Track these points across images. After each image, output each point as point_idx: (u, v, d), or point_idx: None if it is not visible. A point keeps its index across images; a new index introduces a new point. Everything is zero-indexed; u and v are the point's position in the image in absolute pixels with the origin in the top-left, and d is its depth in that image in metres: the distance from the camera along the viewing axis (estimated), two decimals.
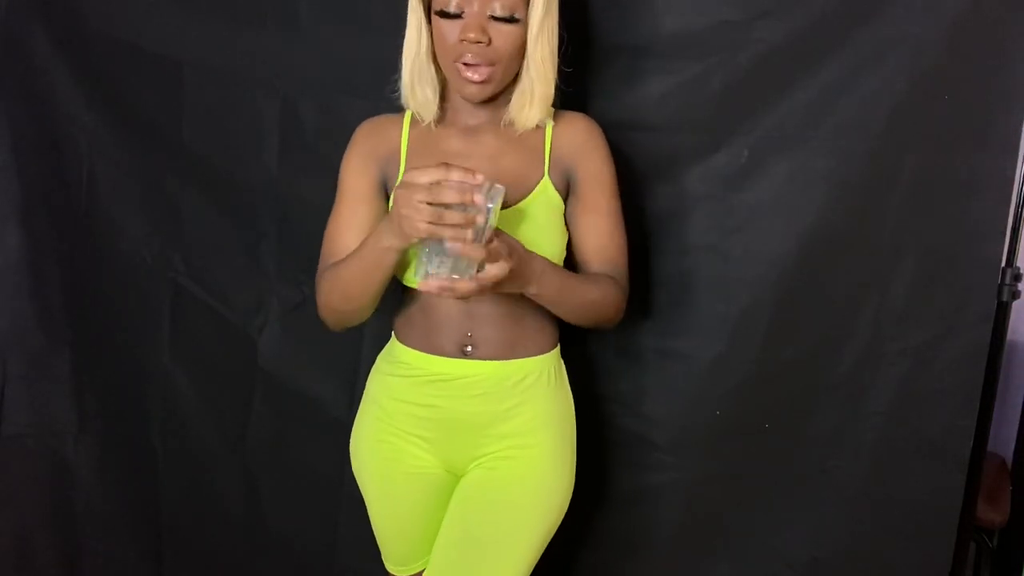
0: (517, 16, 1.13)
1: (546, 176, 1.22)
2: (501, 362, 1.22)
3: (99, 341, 1.74)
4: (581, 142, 1.24)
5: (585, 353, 1.46)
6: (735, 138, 1.37)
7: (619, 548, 1.57)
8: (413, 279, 1.16)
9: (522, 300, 1.18)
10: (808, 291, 1.39)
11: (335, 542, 1.70)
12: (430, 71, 1.20)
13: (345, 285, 1.19)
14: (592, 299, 1.20)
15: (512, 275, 1.05)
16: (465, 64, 1.14)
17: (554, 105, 1.23)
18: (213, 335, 1.68)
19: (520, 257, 1.08)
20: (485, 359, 1.21)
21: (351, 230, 1.23)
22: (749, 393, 1.44)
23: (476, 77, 1.14)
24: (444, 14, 1.14)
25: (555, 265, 1.18)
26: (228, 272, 1.65)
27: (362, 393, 1.60)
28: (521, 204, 1.19)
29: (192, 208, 1.64)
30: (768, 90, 1.34)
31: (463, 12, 1.12)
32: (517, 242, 1.09)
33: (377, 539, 1.36)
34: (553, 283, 1.15)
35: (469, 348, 1.21)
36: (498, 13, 1.12)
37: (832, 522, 1.45)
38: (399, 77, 1.24)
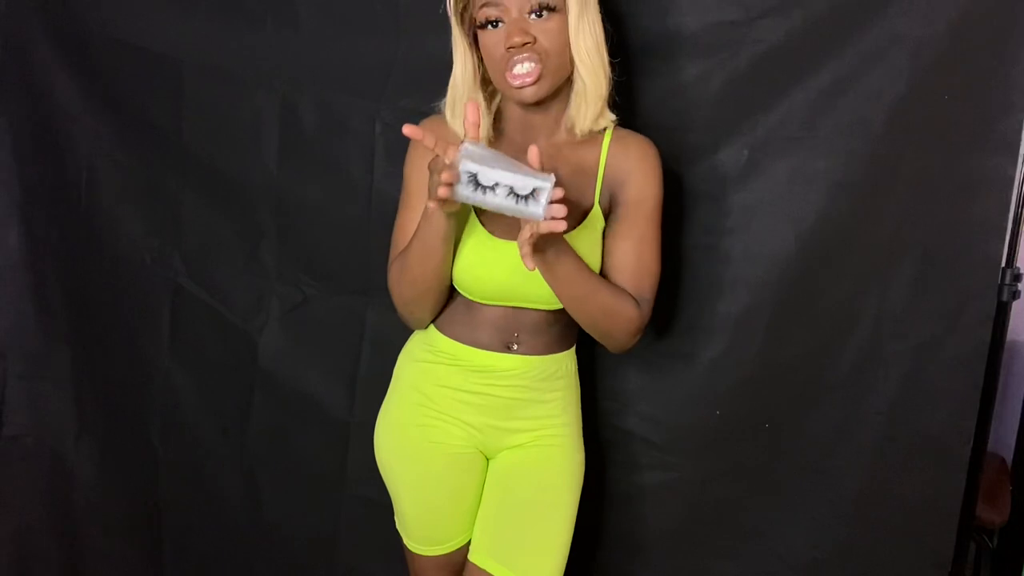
0: (554, 5, 1.14)
1: (596, 205, 1.25)
2: (539, 357, 1.29)
3: (99, 341, 1.74)
4: (634, 164, 1.25)
5: (586, 353, 1.46)
6: (735, 138, 1.37)
7: (619, 547, 1.57)
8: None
9: (561, 314, 1.26)
10: (808, 291, 1.39)
11: (335, 541, 1.70)
12: (479, 99, 1.22)
13: (409, 269, 1.22)
14: (603, 301, 1.20)
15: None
16: (514, 71, 1.14)
17: (611, 108, 1.23)
18: (213, 335, 1.68)
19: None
20: (527, 355, 1.28)
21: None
22: (749, 393, 1.44)
23: (529, 79, 1.14)
24: (485, 25, 1.15)
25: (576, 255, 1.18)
26: (228, 272, 1.65)
27: (361, 392, 1.61)
28: (572, 233, 1.21)
29: (192, 208, 1.64)
30: (768, 90, 1.34)
31: (503, 19, 1.14)
32: None
33: (406, 522, 1.36)
34: (572, 261, 1.16)
35: (515, 346, 1.28)
36: (536, 6, 1.13)
37: (832, 522, 1.45)
38: (439, 105, 1.25)
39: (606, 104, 1.22)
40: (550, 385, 1.32)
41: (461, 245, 1.22)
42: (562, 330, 1.31)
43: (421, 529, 1.35)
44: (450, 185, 1.01)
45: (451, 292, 1.28)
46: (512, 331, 1.27)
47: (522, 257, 1.06)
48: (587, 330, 1.26)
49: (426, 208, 1.14)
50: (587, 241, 1.23)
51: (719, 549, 1.52)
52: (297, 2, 1.51)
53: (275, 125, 1.56)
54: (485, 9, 1.14)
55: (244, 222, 1.62)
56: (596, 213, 1.25)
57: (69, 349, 1.75)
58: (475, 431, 1.31)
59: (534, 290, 1.20)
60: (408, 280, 1.23)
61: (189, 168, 1.63)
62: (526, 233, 1.04)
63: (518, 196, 1.01)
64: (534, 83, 1.14)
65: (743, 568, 1.51)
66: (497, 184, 1.01)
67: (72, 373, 1.76)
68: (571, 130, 1.23)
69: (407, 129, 1.05)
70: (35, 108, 1.66)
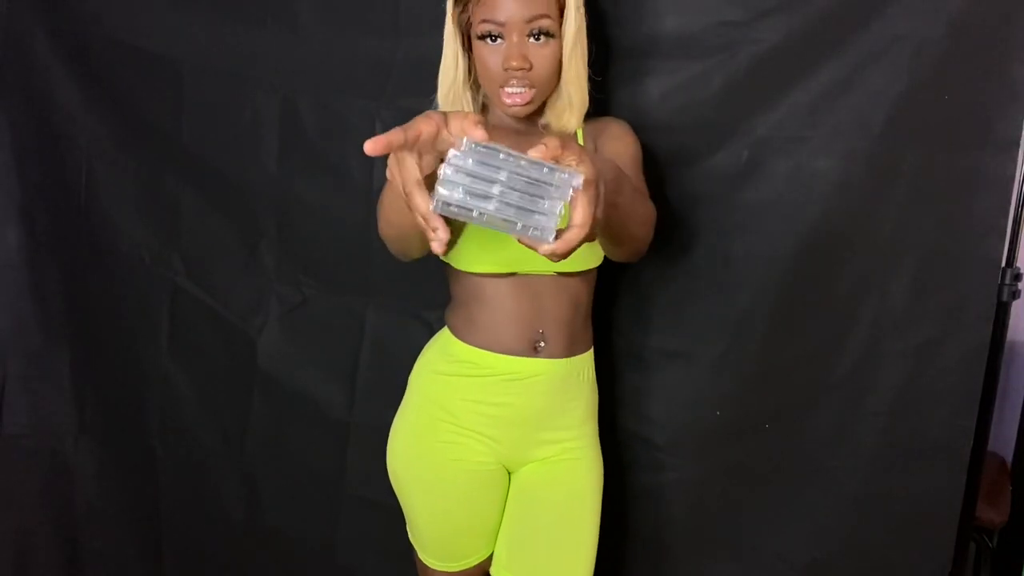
0: (553, 32, 1.17)
1: None
2: (564, 360, 1.27)
3: (99, 341, 1.74)
4: (606, 123, 1.30)
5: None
6: (735, 138, 1.37)
7: (618, 548, 1.57)
8: (472, 263, 1.20)
9: (582, 299, 1.27)
10: (808, 291, 1.39)
11: (335, 542, 1.70)
12: (466, 97, 1.24)
13: (386, 208, 1.13)
14: (646, 209, 1.17)
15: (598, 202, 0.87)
16: (508, 91, 1.18)
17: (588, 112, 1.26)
18: (213, 335, 1.68)
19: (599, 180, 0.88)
20: (552, 357, 1.26)
21: None
22: (749, 393, 1.44)
23: (520, 101, 1.18)
24: (484, 38, 1.17)
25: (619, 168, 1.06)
26: (228, 272, 1.65)
27: (361, 393, 1.61)
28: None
29: (192, 208, 1.64)
30: (768, 90, 1.34)
31: (503, 36, 1.16)
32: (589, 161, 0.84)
33: (424, 538, 1.34)
34: (627, 186, 1.04)
35: (541, 344, 1.25)
36: (536, 31, 1.16)
37: (832, 522, 1.45)
38: (434, 99, 1.26)
39: (584, 112, 1.25)
40: (573, 393, 1.30)
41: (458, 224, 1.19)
42: (583, 322, 1.30)
43: (441, 545, 1.33)
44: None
45: (468, 294, 1.26)
46: (537, 326, 1.24)
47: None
48: (624, 248, 1.15)
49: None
50: None
51: (719, 549, 1.52)
52: (297, 2, 1.51)
53: (275, 125, 1.56)
54: (486, 25, 1.16)
55: (244, 222, 1.62)
56: None
57: (69, 349, 1.75)
58: (498, 445, 1.28)
59: None
60: (385, 219, 1.13)
61: (189, 168, 1.63)
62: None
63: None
64: (524, 105, 1.19)
65: (743, 568, 1.51)
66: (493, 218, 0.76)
67: (72, 373, 1.75)
68: (547, 128, 1.27)
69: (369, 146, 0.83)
70: (35, 108, 1.65)
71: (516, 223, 0.77)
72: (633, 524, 1.55)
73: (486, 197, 0.75)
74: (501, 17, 1.15)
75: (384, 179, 1.53)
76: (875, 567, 1.45)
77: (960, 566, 1.44)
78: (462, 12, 1.20)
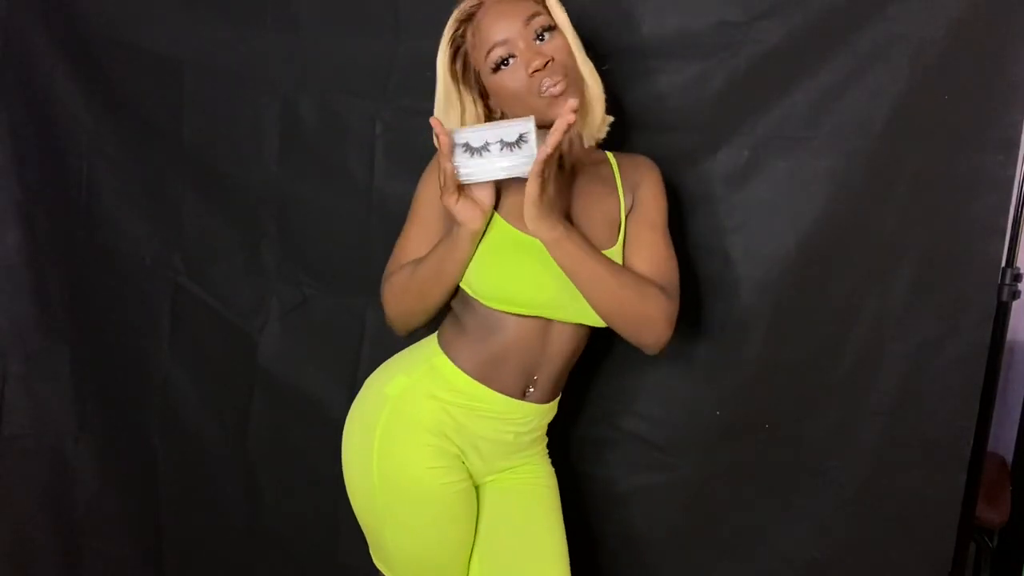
0: (551, 24, 1.18)
1: (622, 211, 1.26)
2: (545, 405, 1.30)
3: (99, 341, 1.74)
4: (643, 171, 1.29)
5: (587, 353, 1.46)
6: (735, 138, 1.37)
7: (619, 548, 1.57)
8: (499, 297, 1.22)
9: (578, 353, 1.30)
10: (808, 291, 1.39)
11: (335, 542, 1.70)
12: None
13: (421, 282, 1.23)
14: (626, 280, 1.18)
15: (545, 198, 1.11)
16: (547, 86, 1.15)
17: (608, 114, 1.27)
18: (213, 335, 1.68)
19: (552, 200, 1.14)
20: (537, 402, 1.29)
21: (425, 243, 1.25)
22: (749, 393, 1.44)
23: (557, 90, 1.14)
24: (498, 69, 1.17)
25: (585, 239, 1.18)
26: (228, 272, 1.65)
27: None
28: (616, 247, 1.23)
29: (192, 208, 1.64)
30: (768, 90, 1.34)
31: (514, 53, 1.16)
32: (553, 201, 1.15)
33: (406, 567, 1.30)
34: (578, 244, 1.15)
35: (531, 390, 1.27)
36: (539, 29, 1.16)
37: (832, 522, 1.45)
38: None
39: (603, 102, 1.25)
40: (544, 428, 1.35)
41: (503, 257, 1.20)
42: (567, 373, 1.32)
43: (427, 572, 1.29)
44: (453, 169, 1.11)
45: (490, 326, 1.24)
46: (533, 372, 1.26)
47: (527, 209, 1.10)
48: (622, 323, 1.20)
49: (454, 232, 1.17)
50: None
51: (719, 549, 1.52)
52: (297, 2, 1.51)
53: (275, 125, 1.56)
54: (495, 51, 1.16)
55: (244, 222, 1.62)
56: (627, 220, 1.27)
57: (69, 349, 1.75)
58: (471, 466, 1.30)
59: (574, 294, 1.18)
60: (416, 293, 1.24)
61: (189, 168, 1.63)
62: (535, 171, 1.08)
63: (510, 144, 1.09)
64: (562, 93, 1.15)
65: (743, 568, 1.51)
66: (487, 143, 1.10)
67: (72, 373, 1.76)
68: (579, 139, 1.26)
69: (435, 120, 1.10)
70: (35, 108, 1.66)
71: (513, 161, 1.10)
72: (632, 524, 1.55)
73: (483, 150, 1.11)
74: (503, 35, 1.15)
75: (384, 177, 1.54)
76: (875, 567, 1.45)
77: (960, 566, 1.44)
78: (464, 68, 1.21)
